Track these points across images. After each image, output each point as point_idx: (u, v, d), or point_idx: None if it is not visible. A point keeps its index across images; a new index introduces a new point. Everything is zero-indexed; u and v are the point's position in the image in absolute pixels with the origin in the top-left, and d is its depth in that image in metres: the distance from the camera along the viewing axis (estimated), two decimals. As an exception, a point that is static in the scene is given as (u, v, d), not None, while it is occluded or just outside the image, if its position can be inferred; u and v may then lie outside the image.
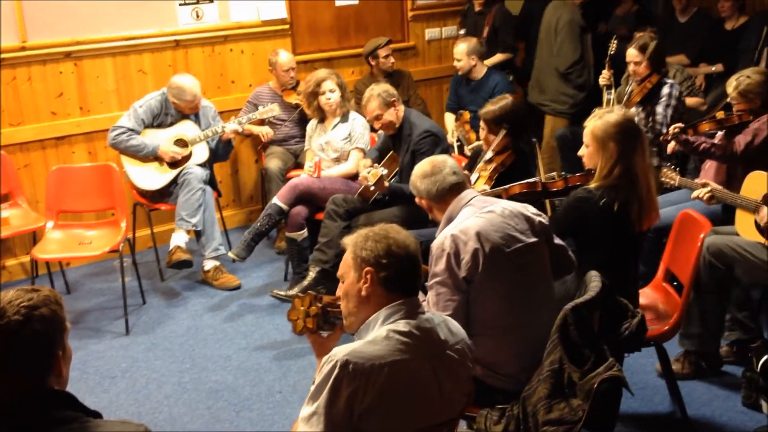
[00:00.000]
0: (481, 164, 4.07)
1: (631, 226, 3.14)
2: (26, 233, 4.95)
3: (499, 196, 3.56)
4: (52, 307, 1.75)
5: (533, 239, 2.81)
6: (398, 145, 4.58)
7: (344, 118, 5.05)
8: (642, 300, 3.45)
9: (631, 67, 4.90)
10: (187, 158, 5.03)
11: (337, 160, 5.03)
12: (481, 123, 4.10)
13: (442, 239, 2.75)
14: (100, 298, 4.97)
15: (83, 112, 5.39)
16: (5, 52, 5.01)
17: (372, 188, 4.31)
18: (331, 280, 4.17)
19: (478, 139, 4.81)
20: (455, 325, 2.28)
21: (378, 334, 2.10)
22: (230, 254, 4.78)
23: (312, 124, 5.21)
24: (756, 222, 3.65)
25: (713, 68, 6.00)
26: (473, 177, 4.03)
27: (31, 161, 5.25)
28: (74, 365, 4.13)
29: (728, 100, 4.21)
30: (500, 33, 6.35)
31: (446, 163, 3.00)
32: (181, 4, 5.61)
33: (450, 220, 2.89)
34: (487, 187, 3.85)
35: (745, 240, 3.65)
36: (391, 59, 6.02)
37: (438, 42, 6.87)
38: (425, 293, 2.86)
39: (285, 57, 5.63)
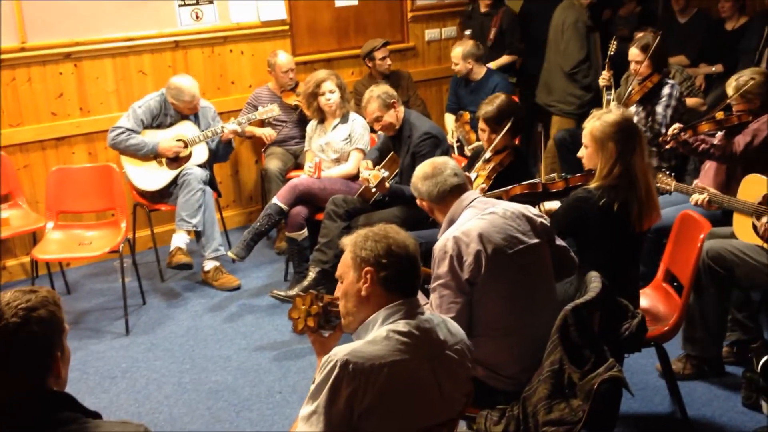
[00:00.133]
0: (479, 164, 4.07)
1: (631, 226, 3.14)
2: (26, 234, 4.95)
3: (499, 197, 3.56)
4: (50, 309, 1.75)
5: (535, 240, 2.82)
6: (398, 147, 4.58)
7: (344, 118, 5.05)
8: (642, 300, 3.45)
9: (632, 67, 4.90)
10: (186, 159, 5.03)
11: (337, 161, 5.03)
12: (481, 125, 4.10)
13: (444, 241, 2.75)
14: (100, 299, 4.97)
15: (83, 112, 5.39)
16: (5, 53, 5.01)
17: (373, 189, 4.31)
18: (331, 280, 4.17)
19: (478, 139, 4.82)
20: (454, 326, 2.28)
21: (378, 334, 2.10)
22: (229, 254, 4.78)
23: (312, 124, 5.21)
24: (753, 225, 3.65)
25: (713, 69, 6.01)
26: (472, 176, 4.03)
27: (31, 162, 5.26)
28: (74, 365, 4.15)
29: (728, 100, 4.21)
30: (508, 35, 6.34)
31: (447, 164, 3.00)
32: (180, 5, 5.61)
33: (452, 222, 2.89)
34: (485, 186, 3.85)
35: (744, 243, 3.65)
36: (388, 61, 6.02)
37: (438, 43, 6.87)
38: (426, 295, 2.87)
39: (284, 58, 5.63)
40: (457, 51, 5.86)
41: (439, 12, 6.84)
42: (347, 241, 2.24)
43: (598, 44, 6.02)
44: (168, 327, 4.57)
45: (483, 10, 6.42)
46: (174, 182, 5.00)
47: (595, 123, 3.18)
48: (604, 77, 5.33)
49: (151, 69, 5.58)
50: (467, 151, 5.40)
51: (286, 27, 6.07)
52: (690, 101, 5.30)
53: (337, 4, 6.33)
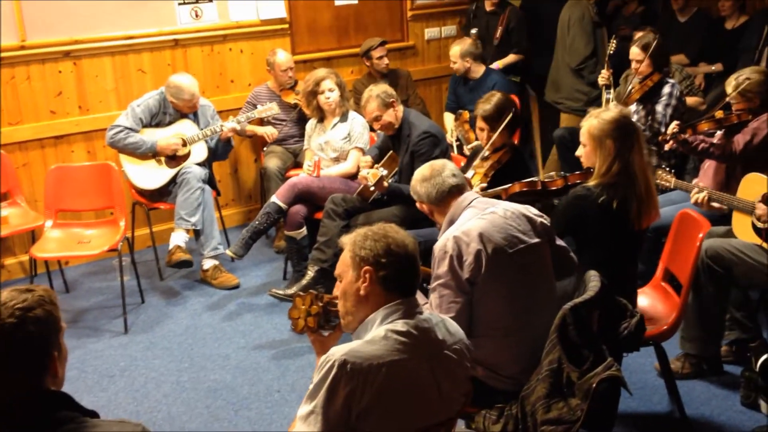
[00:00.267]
0: (477, 161, 4.08)
1: (630, 224, 3.14)
2: (25, 232, 4.95)
3: (498, 196, 3.56)
4: (46, 308, 1.74)
5: (535, 240, 2.82)
6: (397, 145, 4.58)
7: (343, 117, 5.05)
8: (641, 299, 3.45)
9: (633, 66, 4.90)
10: (185, 157, 5.02)
11: (337, 160, 5.03)
12: (480, 123, 4.10)
13: (444, 241, 2.75)
14: (98, 297, 4.97)
15: (82, 111, 5.39)
16: (4, 51, 5.01)
17: (372, 188, 4.31)
18: (329, 279, 4.17)
19: (477, 138, 4.81)
20: (453, 326, 2.28)
21: (376, 334, 2.10)
22: (228, 252, 4.78)
23: (311, 123, 5.21)
24: (753, 224, 3.65)
25: (713, 68, 6.00)
26: (469, 173, 4.04)
27: (30, 160, 5.25)
28: (73, 364, 4.16)
29: (727, 99, 4.20)
30: (515, 35, 6.33)
31: (445, 166, 3.01)
32: (180, 4, 5.61)
33: (452, 223, 2.89)
34: (483, 184, 3.85)
35: (743, 242, 3.64)
36: (385, 60, 6.01)
37: (437, 42, 6.87)
38: (426, 295, 2.87)
39: (283, 57, 5.62)
40: (456, 49, 5.87)
41: (438, 11, 6.84)
42: (346, 240, 2.24)
43: (605, 40, 6.02)
44: (167, 326, 4.57)
45: (489, 9, 6.38)
46: (173, 181, 5.00)
47: (592, 121, 3.17)
48: (604, 76, 5.34)
49: (151, 67, 5.57)
50: (466, 150, 5.39)
51: (286, 25, 6.07)
52: (689, 100, 5.30)
53: (337, 2, 6.33)
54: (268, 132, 5.54)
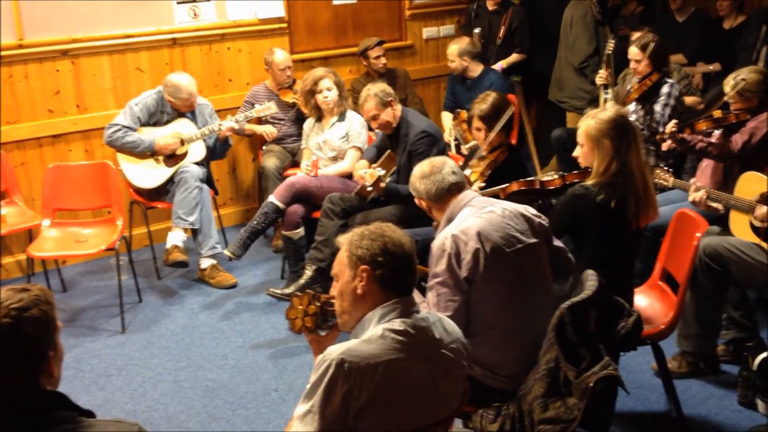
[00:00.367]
0: (474, 161, 4.08)
1: (628, 223, 3.14)
2: (22, 231, 4.94)
3: (496, 195, 3.56)
4: (42, 308, 1.73)
5: (533, 240, 2.82)
6: (395, 145, 4.57)
7: (342, 116, 5.05)
8: (638, 299, 3.45)
9: (632, 65, 4.90)
10: (183, 156, 5.02)
11: (335, 159, 5.03)
12: (477, 123, 4.10)
13: (442, 239, 2.75)
14: (96, 296, 4.97)
15: (80, 110, 5.38)
16: (2, 50, 5.00)
17: (369, 188, 4.31)
18: (327, 278, 4.13)
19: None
20: (450, 324, 2.28)
21: (373, 333, 2.10)
22: (226, 252, 4.77)
23: (309, 122, 5.20)
24: (751, 223, 3.65)
25: (711, 67, 6.00)
26: (466, 173, 4.03)
27: (28, 159, 5.25)
28: (70, 363, 4.16)
29: (725, 99, 4.21)
30: (518, 34, 6.32)
31: (446, 163, 3.01)
32: (178, 3, 5.61)
33: (450, 221, 2.89)
34: (481, 184, 3.85)
35: (741, 241, 3.65)
36: (383, 60, 6.01)
37: (436, 41, 6.87)
38: (423, 294, 2.87)
39: (281, 56, 5.62)
40: (453, 48, 5.88)
41: (437, 10, 6.84)
42: (343, 240, 2.24)
43: (608, 38, 6.00)
44: (164, 325, 4.56)
45: (492, 8, 6.37)
46: (171, 180, 5.00)
47: (589, 122, 3.18)
48: (602, 76, 5.34)
49: (149, 66, 5.57)
50: (464, 149, 5.40)
51: (284, 25, 6.06)
52: (687, 100, 5.30)
53: (335, 1, 6.33)
54: (268, 131, 5.54)
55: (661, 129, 4.57)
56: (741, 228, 3.71)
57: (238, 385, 3.89)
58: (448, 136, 5.69)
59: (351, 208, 4.51)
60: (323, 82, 4.96)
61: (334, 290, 2.26)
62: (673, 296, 3.42)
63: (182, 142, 5.00)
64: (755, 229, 3.63)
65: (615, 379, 2.47)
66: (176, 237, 4.87)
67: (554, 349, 2.55)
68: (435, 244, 2.77)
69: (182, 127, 5.05)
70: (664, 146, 4.39)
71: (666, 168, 4.14)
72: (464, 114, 5.61)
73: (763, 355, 3.38)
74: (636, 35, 5.09)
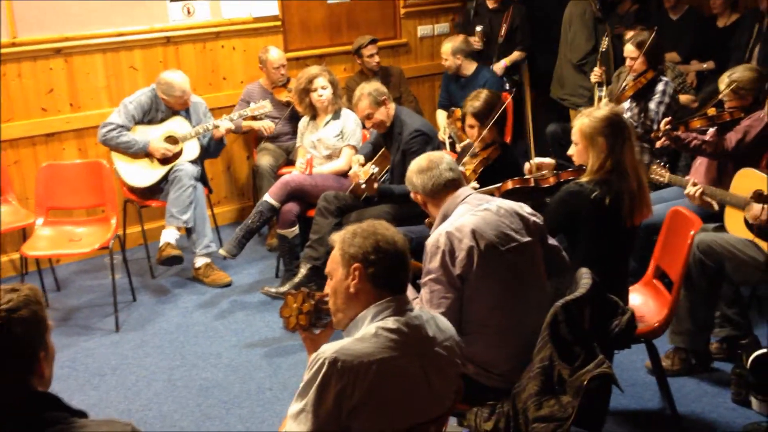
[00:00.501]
0: (467, 158, 4.08)
1: (622, 220, 3.14)
2: (16, 230, 4.92)
3: (491, 194, 3.56)
4: (32, 308, 1.71)
5: (528, 238, 2.82)
6: (389, 143, 4.57)
7: (336, 115, 5.04)
8: (632, 297, 3.45)
9: (627, 63, 4.91)
10: (177, 155, 5.01)
11: (329, 158, 5.02)
12: (470, 120, 4.10)
13: (437, 236, 2.75)
14: (90, 295, 4.95)
15: (73, 108, 5.37)
16: (-5, 48, 4.99)
17: (363, 186, 4.31)
18: (322, 277, 4.15)
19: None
20: (444, 322, 2.27)
21: (367, 332, 2.10)
22: (221, 251, 4.76)
23: (304, 121, 5.19)
24: (745, 219, 3.66)
25: (704, 65, 6.02)
26: None
27: (21, 158, 5.23)
28: (64, 362, 4.15)
29: (720, 96, 4.21)
30: (519, 32, 6.31)
31: (443, 159, 3.00)
32: (172, 1, 5.59)
33: (445, 217, 2.89)
34: (475, 184, 3.85)
35: (735, 237, 3.65)
36: (376, 58, 6.01)
37: (430, 39, 6.87)
38: (417, 290, 2.86)
39: (275, 54, 5.61)
40: (447, 47, 5.87)
41: (431, 8, 6.84)
42: (336, 238, 2.23)
43: (609, 35, 6.00)
44: (158, 324, 4.55)
45: (492, 6, 6.35)
46: (165, 178, 4.99)
47: (584, 120, 3.18)
48: (596, 74, 5.34)
49: (142, 65, 5.55)
50: (458, 147, 5.40)
51: (279, 23, 6.05)
52: (682, 98, 5.31)
53: (330, 0, 6.32)
54: (265, 125, 5.52)
55: (655, 127, 4.57)
56: (736, 225, 3.71)
57: (232, 383, 3.88)
58: (443, 134, 5.69)
59: (345, 207, 4.51)
60: (317, 81, 4.95)
61: (328, 288, 2.26)
62: (667, 294, 3.42)
63: (176, 141, 4.99)
64: (749, 226, 3.64)
65: (609, 377, 2.47)
66: (169, 234, 4.86)
67: (548, 347, 2.55)
68: (429, 241, 2.77)
69: (176, 125, 5.04)
70: (658, 144, 4.39)
71: (662, 164, 4.14)
72: (459, 112, 5.60)
73: (757, 352, 3.39)
74: (630, 33, 5.09)
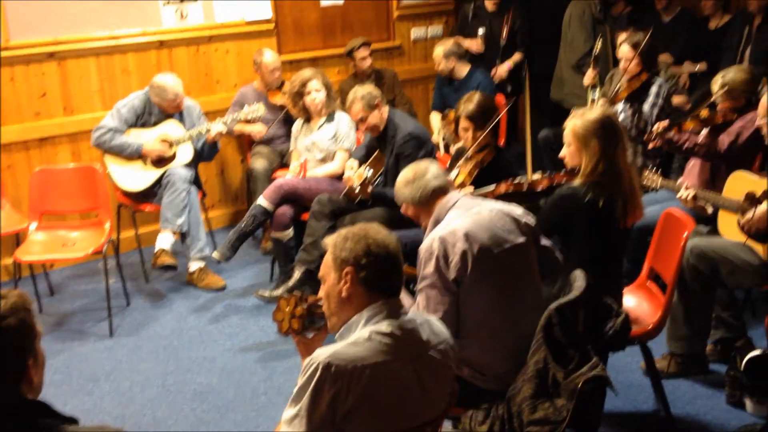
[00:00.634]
0: (461, 161, 4.08)
1: (616, 222, 3.15)
2: (9, 235, 4.90)
3: (484, 197, 3.56)
4: (19, 316, 1.70)
5: (521, 240, 2.82)
6: (383, 146, 4.57)
7: (330, 117, 5.04)
8: (626, 299, 3.45)
9: (622, 64, 4.91)
10: (171, 159, 5.00)
11: (324, 161, 5.02)
12: (464, 123, 4.11)
13: (430, 242, 2.75)
14: (84, 300, 4.94)
15: (67, 112, 5.35)
16: (-13, 52, 4.97)
17: (356, 190, 4.31)
18: (316, 280, 4.08)
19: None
20: (438, 326, 2.27)
21: (360, 336, 2.09)
22: (214, 254, 4.75)
23: (298, 124, 5.19)
24: (738, 222, 3.66)
25: (697, 67, 6.03)
26: (452, 173, 4.04)
27: (14, 162, 5.21)
28: (57, 368, 4.14)
29: (713, 98, 4.22)
30: (520, 35, 6.32)
31: (429, 168, 3.03)
32: (164, 4, 5.58)
33: (437, 223, 2.90)
34: (470, 189, 3.85)
35: (728, 241, 3.65)
36: (368, 61, 6.00)
37: (424, 42, 6.87)
38: (412, 296, 2.86)
39: (270, 57, 5.60)
40: (439, 50, 5.88)
41: (425, 11, 6.84)
42: (329, 242, 2.23)
43: (608, 37, 6.01)
44: (152, 328, 4.54)
45: (491, 8, 6.34)
46: (158, 182, 4.97)
47: (576, 121, 3.18)
48: (589, 76, 5.35)
49: (136, 68, 5.54)
50: (452, 150, 5.40)
51: (272, 26, 6.05)
52: (674, 99, 5.32)
53: (323, 3, 6.31)
54: (256, 129, 5.53)
55: (649, 128, 4.58)
56: (729, 228, 3.72)
57: (226, 388, 3.88)
58: (437, 136, 5.69)
59: (339, 210, 4.50)
60: (311, 84, 4.95)
61: (322, 292, 2.26)
62: (661, 296, 3.43)
63: (170, 145, 4.98)
64: (743, 229, 3.64)
65: (603, 380, 2.48)
66: (165, 240, 4.84)
67: (543, 349, 2.55)
68: (423, 247, 2.77)
69: (170, 128, 5.03)
70: (651, 145, 4.40)
71: (654, 169, 4.14)
72: (453, 115, 5.62)
73: (751, 354, 3.39)
74: (623, 35, 5.10)
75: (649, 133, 4.38)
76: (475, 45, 6.28)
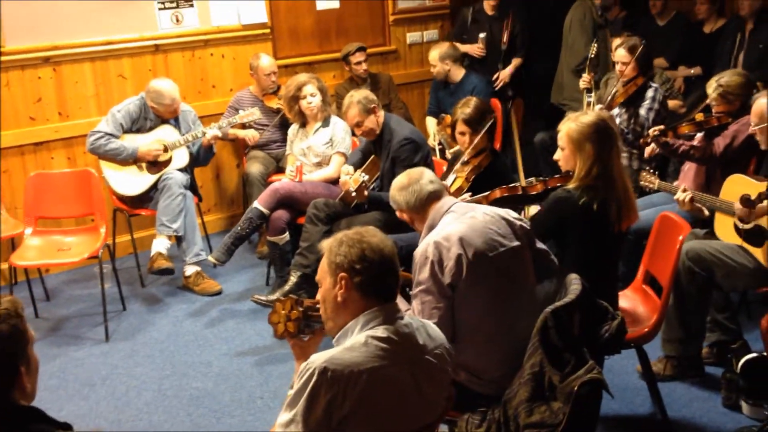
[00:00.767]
0: (458, 166, 4.09)
1: (610, 226, 3.15)
2: (5, 240, 4.89)
3: (479, 202, 3.57)
4: (11, 322, 1.69)
5: (516, 243, 2.82)
6: (379, 151, 4.57)
7: (325, 122, 5.04)
8: (622, 302, 3.46)
9: (618, 68, 4.92)
10: (167, 163, 5.00)
11: (319, 165, 5.02)
12: (461, 127, 4.11)
13: (424, 246, 2.75)
14: (79, 305, 4.93)
15: (62, 117, 5.35)
16: (-18, 58, 4.97)
17: (353, 194, 4.31)
18: (312, 284, 4.15)
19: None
20: (434, 330, 2.27)
21: (356, 341, 2.09)
22: (210, 258, 4.75)
23: (293, 128, 5.19)
24: (735, 225, 3.66)
25: (692, 71, 6.05)
26: (450, 178, 4.04)
27: (10, 167, 5.21)
28: (53, 373, 4.12)
29: (708, 102, 4.23)
30: (519, 39, 6.33)
31: (423, 174, 3.03)
32: (160, 9, 5.58)
33: (431, 228, 2.89)
34: (467, 194, 3.86)
35: (724, 244, 3.66)
36: (363, 66, 6.01)
37: (419, 46, 6.87)
38: (408, 301, 2.86)
39: (266, 61, 5.61)
40: (434, 53, 5.88)
41: (420, 15, 6.85)
42: (324, 246, 2.23)
43: (608, 41, 6.02)
44: (148, 333, 4.53)
45: (491, 12, 6.34)
46: (154, 187, 4.97)
47: (571, 125, 3.18)
48: (585, 80, 5.36)
49: (131, 73, 5.54)
50: (449, 154, 5.41)
51: (268, 30, 6.05)
52: (670, 103, 5.33)
53: (319, 7, 6.32)
54: (249, 134, 5.53)
55: (645, 133, 4.59)
56: (725, 230, 3.72)
57: (223, 393, 3.87)
58: (433, 140, 5.69)
59: (335, 214, 4.50)
60: (306, 88, 4.95)
61: (318, 297, 2.26)
62: (656, 299, 3.43)
63: (165, 149, 4.98)
64: (739, 231, 3.65)
65: (599, 383, 2.47)
66: (160, 244, 4.84)
67: (539, 353, 2.55)
68: (418, 252, 2.77)
69: (165, 133, 5.03)
70: (647, 151, 4.40)
71: (651, 171, 4.15)
72: (448, 119, 5.61)
73: (747, 356, 3.40)
74: (618, 39, 5.11)
75: (645, 137, 4.39)
76: (476, 49, 6.28)
